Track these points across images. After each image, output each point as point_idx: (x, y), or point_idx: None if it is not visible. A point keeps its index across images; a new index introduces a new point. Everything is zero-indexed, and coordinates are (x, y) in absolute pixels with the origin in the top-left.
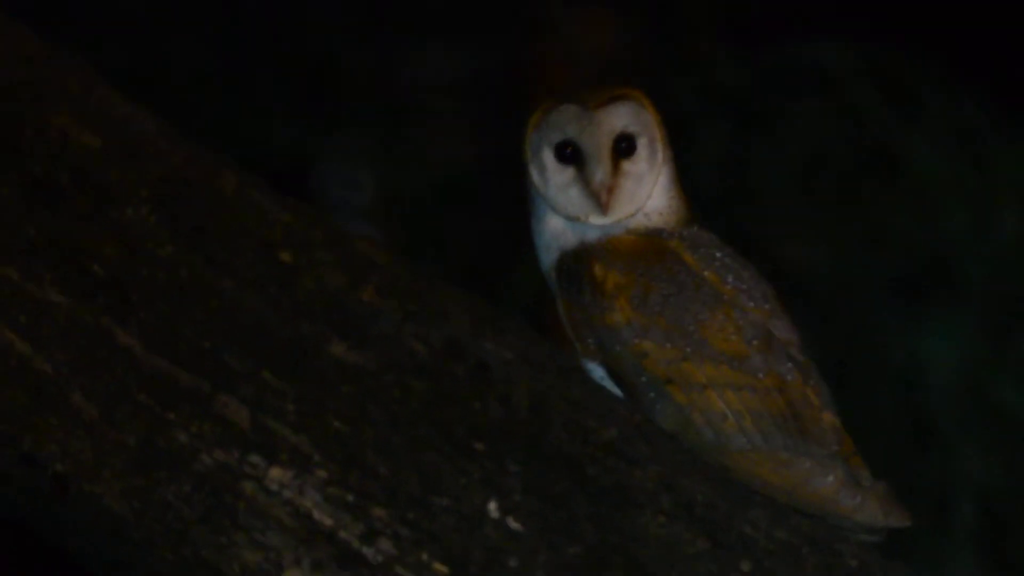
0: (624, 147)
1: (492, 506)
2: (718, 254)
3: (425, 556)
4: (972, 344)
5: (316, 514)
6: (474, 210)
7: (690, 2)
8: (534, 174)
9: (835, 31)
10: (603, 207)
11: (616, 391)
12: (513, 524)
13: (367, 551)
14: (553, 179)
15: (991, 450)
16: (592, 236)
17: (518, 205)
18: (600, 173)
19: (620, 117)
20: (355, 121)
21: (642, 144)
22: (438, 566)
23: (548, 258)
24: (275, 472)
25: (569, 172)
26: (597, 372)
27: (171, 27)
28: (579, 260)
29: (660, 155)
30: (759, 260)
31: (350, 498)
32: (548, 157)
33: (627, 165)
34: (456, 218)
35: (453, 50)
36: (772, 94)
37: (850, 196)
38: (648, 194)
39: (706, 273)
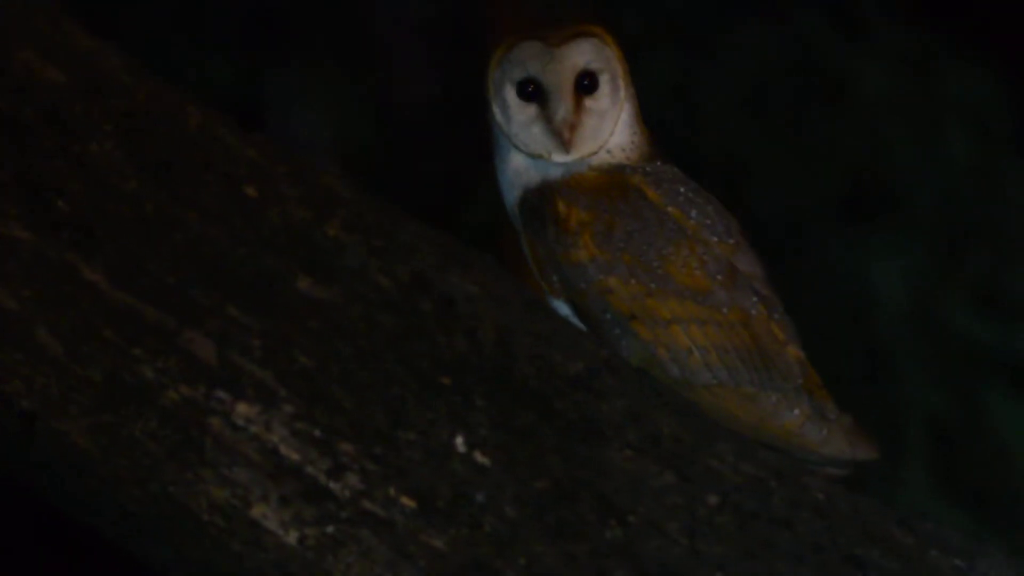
0: (586, 84)
1: (459, 440)
2: (682, 189)
3: (392, 491)
4: (920, 269)
5: (283, 449)
6: (432, 149)
7: None
8: (496, 112)
9: None
10: (566, 144)
11: (582, 328)
12: (480, 458)
13: (334, 486)
14: (515, 117)
15: (941, 374)
16: (555, 173)
17: (477, 144)
18: (562, 110)
19: (582, 54)
20: (312, 61)
21: (604, 81)
22: (405, 500)
23: (511, 195)
24: (241, 407)
25: (531, 109)
26: (563, 309)
27: None
28: (542, 197)
29: (622, 91)
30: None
31: (317, 433)
32: (510, 94)
33: (589, 102)
34: (414, 157)
35: None
36: (720, 21)
37: (796, 121)
38: (611, 131)
39: (669, 208)
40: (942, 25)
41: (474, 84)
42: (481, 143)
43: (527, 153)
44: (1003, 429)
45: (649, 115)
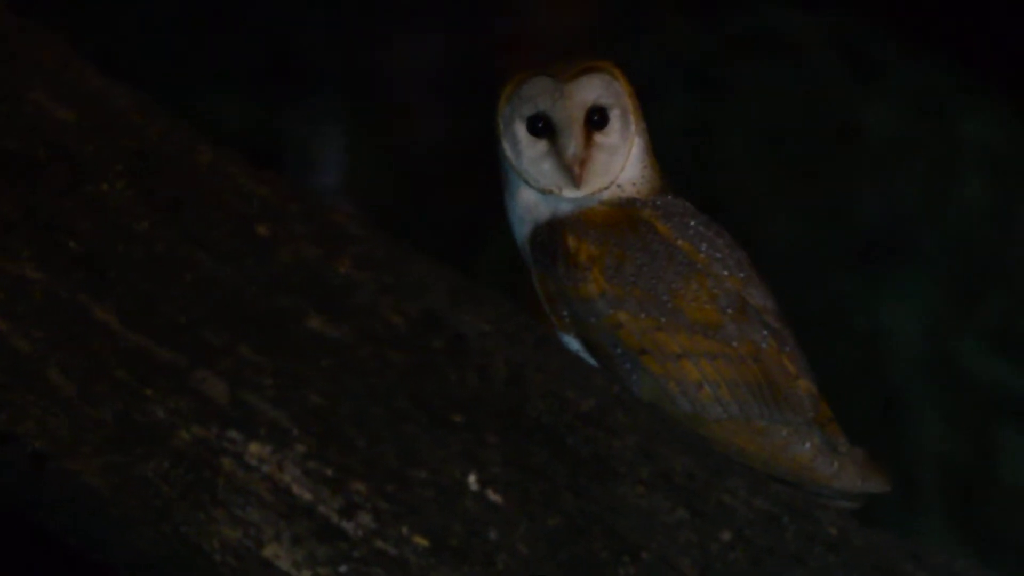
0: (596, 119)
1: (471, 478)
2: (692, 222)
3: (405, 529)
4: (934, 311)
5: (295, 489)
6: (445, 194)
7: None
8: (507, 147)
9: None
10: (576, 180)
11: (592, 363)
12: (492, 496)
13: (347, 525)
14: (526, 152)
15: (955, 417)
16: (565, 208)
17: (488, 187)
18: (573, 146)
19: (592, 89)
20: (327, 105)
21: (614, 116)
22: (418, 539)
23: (522, 231)
24: (254, 447)
25: (542, 145)
26: (573, 345)
27: (141, 9)
28: (552, 232)
29: (633, 126)
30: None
31: (329, 472)
32: (520, 130)
33: (599, 137)
34: (426, 200)
35: (422, 33)
36: (733, 62)
37: (811, 164)
38: (621, 166)
39: (680, 242)
40: (956, 68)
41: (486, 130)
42: (493, 188)
43: (537, 189)
44: (1017, 471)
45: (663, 157)
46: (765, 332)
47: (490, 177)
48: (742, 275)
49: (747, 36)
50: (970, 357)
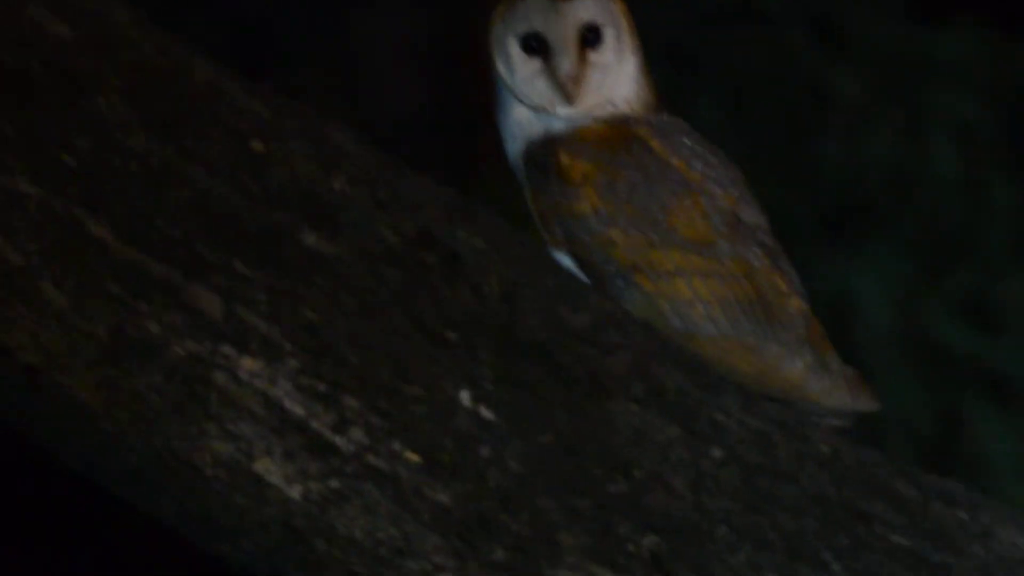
0: (590, 38)
1: (464, 395)
2: (686, 140)
3: (397, 445)
4: (903, 279)
5: (287, 404)
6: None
7: None
8: (499, 66)
9: None
10: (570, 98)
11: (585, 280)
12: (485, 413)
13: (339, 440)
14: (519, 70)
15: (922, 386)
16: (558, 126)
17: (464, 160)
18: (566, 64)
19: (586, 8)
20: (297, 75)
21: (608, 35)
22: (410, 455)
23: (514, 148)
24: (246, 362)
25: (535, 63)
26: (565, 261)
27: None
28: (545, 149)
29: (627, 44)
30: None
31: (322, 388)
32: (514, 48)
33: (593, 56)
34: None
35: (394, 7)
36: (703, 32)
37: (779, 133)
38: (615, 84)
39: (673, 160)
40: (925, 34)
41: (460, 100)
42: (469, 161)
43: (531, 106)
44: (984, 441)
45: None
46: (758, 250)
47: (465, 152)
48: (735, 193)
49: (717, 6)
50: (939, 326)
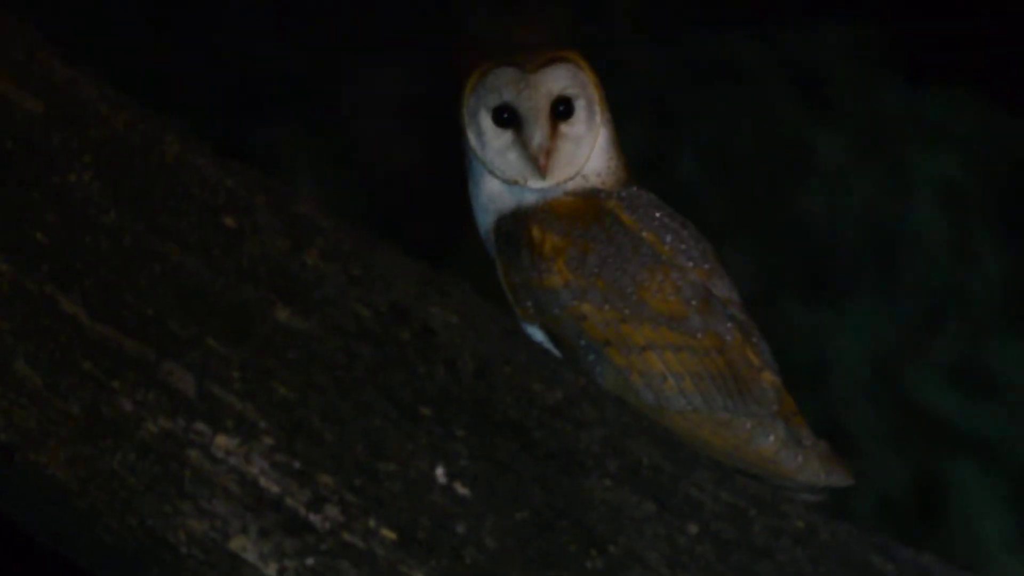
0: (562, 110)
1: (439, 471)
2: (657, 214)
3: (372, 523)
4: (883, 340)
5: (262, 481)
6: (413, 215)
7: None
8: (471, 138)
9: (747, 22)
10: (541, 170)
11: (557, 354)
12: (460, 489)
13: (314, 518)
14: (491, 143)
15: (900, 449)
16: (530, 199)
17: (457, 212)
18: (538, 136)
19: (557, 79)
20: (295, 126)
21: (580, 106)
22: (386, 532)
23: (485, 221)
24: (221, 440)
25: (507, 136)
26: (537, 335)
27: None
28: (517, 222)
29: (598, 117)
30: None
31: (296, 465)
32: (485, 120)
33: (565, 128)
34: (395, 222)
35: (388, 60)
36: (687, 87)
37: (762, 190)
38: (587, 156)
39: (644, 233)
40: (910, 92)
41: (454, 152)
42: (462, 211)
43: (502, 179)
44: (964, 505)
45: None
46: (730, 324)
47: (456, 201)
48: (707, 266)
49: (701, 62)
50: (918, 388)
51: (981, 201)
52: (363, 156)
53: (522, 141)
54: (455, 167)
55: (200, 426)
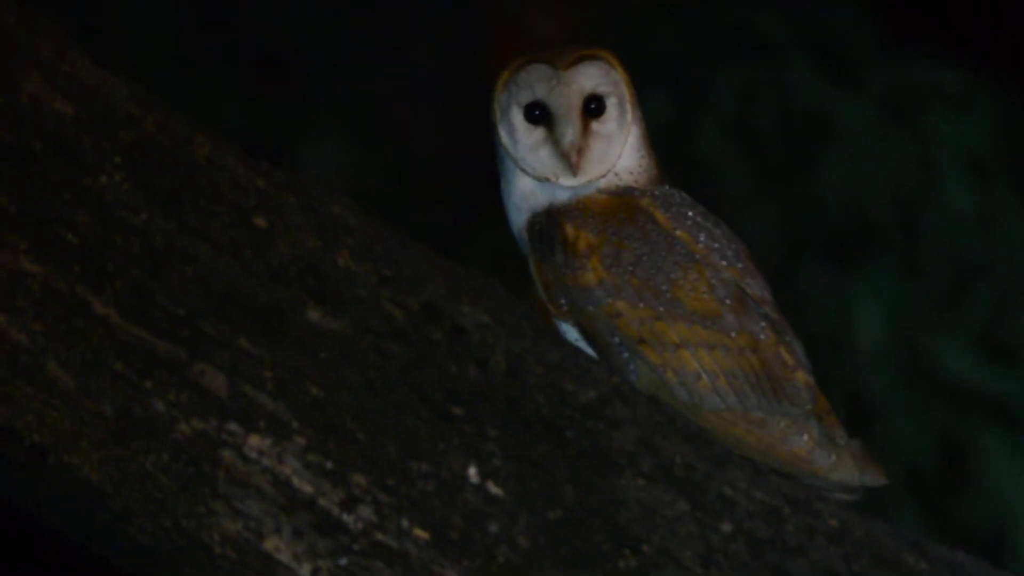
0: (593, 107)
1: (471, 471)
2: (690, 212)
3: (405, 522)
4: (906, 309)
5: (296, 481)
6: (435, 202)
7: None
8: (503, 135)
9: None
10: (573, 168)
11: (590, 352)
12: (493, 488)
13: (347, 518)
14: (522, 140)
15: (924, 417)
16: (562, 196)
17: (479, 197)
18: (570, 134)
19: (589, 77)
20: (324, 106)
21: (611, 104)
22: (418, 532)
23: (518, 219)
24: (254, 440)
25: (539, 133)
26: (570, 333)
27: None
28: (550, 220)
29: (629, 115)
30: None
31: (329, 465)
32: (517, 117)
33: (597, 125)
34: (422, 204)
35: (415, 48)
36: (710, 60)
37: (785, 161)
38: (618, 154)
39: (678, 232)
40: (931, 65)
41: (480, 136)
42: (487, 195)
43: (534, 176)
44: (989, 472)
45: None
46: (763, 323)
47: (481, 184)
48: (740, 266)
49: (724, 34)
50: (942, 357)
51: (1005, 170)
52: (395, 135)
53: (554, 138)
54: (479, 148)
55: (233, 426)
